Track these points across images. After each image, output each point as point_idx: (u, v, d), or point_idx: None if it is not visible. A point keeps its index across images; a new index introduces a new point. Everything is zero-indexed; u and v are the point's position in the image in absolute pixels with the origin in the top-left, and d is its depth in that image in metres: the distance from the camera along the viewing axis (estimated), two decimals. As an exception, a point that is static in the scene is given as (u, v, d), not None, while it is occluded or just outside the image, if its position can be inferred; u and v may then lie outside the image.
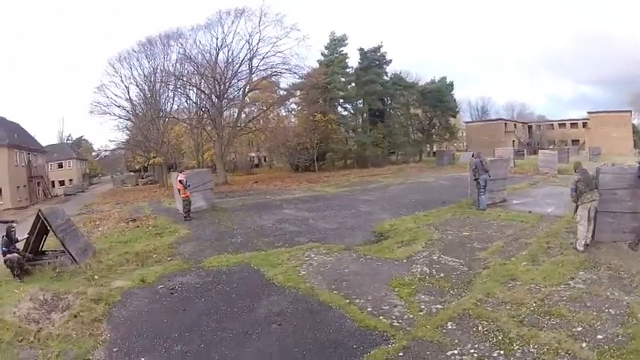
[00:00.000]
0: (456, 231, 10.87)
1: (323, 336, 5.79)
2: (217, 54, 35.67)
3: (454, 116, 49.61)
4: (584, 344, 5.16)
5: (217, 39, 35.37)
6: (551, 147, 45.82)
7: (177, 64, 36.92)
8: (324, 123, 39.54)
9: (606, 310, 6.03)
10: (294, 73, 36.62)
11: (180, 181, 15.19)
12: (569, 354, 4.98)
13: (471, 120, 74.42)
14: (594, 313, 5.95)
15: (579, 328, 5.55)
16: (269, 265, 8.88)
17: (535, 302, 6.36)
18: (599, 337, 5.32)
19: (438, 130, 48.39)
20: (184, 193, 15.04)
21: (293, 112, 45.11)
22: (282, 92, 40.42)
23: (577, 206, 8.83)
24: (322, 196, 20.31)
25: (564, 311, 6.01)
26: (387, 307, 6.52)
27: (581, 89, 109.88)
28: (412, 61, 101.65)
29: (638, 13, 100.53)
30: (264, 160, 61.87)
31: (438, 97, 45.19)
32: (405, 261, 8.70)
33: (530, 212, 12.61)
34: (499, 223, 11.40)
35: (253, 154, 59.98)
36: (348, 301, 6.81)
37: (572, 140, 60.92)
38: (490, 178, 13.61)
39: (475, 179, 13.72)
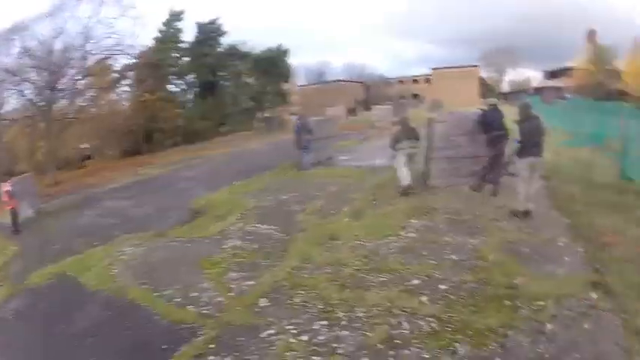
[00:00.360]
0: (273, 196, 10.44)
1: (132, 341, 5.04)
2: (53, 43, 30.67)
3: (286, 81, 49.55)
4: (424, 298, 4.84)
5: (56, 26, 30.32)
6: (388, 102, 48.13)
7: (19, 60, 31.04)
8: (152, 102, 36.63)
9: (448, 257, 5.83)
10: (127, 53, 33.08)
11: (6, 191, 12.85)
12: (406, 311, 4.61)
13: (306, 83, 74.62)
14: (433, 262, 5.69)
15: (415, 281, 5.22)
16: (84, 270, 7.59)
17: (359, 260, 5.92)
18: (442, 287, 5.04)
19: (271, 97, 48.03)
20: (10, 204, 12.73)
21: (123, 96, 40.91)
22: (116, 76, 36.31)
23: (398, 152, 9.56)
24: (144, 180, 18.51)
25: (395, 265, 5.64)
26: (197, 293, 5.80)
27: (426, 49, 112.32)
28: (258, 30, 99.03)
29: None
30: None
31: (271, 64, 44.99)
32: (217, 237, 7.97)
33: (357, 167, 12.89)
34: (322, 182, 11.31)
35: (87, 146, 53.49)
36: (157, 294, 5.97)
37: (413, 94, 64.54)
38: (314, 138, 13.69)
39: (297, 141, 13.71)
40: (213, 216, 9.49)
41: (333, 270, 5.74)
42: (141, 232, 9.28)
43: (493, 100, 10.04)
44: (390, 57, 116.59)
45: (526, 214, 7.28)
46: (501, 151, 8.66)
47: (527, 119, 7.40)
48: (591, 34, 53.21)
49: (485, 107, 9.36)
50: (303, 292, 5.29)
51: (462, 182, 9.24)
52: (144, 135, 37.27)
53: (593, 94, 36.27)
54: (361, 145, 18.83)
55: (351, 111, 41.64)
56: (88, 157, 51.87)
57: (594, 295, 4.71)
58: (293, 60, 48.96)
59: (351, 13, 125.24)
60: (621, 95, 34.07)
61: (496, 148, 8.70)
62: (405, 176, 9.22)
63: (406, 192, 9.10)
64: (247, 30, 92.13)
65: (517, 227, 6.88)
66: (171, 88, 41.74)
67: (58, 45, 30.69)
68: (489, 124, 8.87)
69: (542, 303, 4.60)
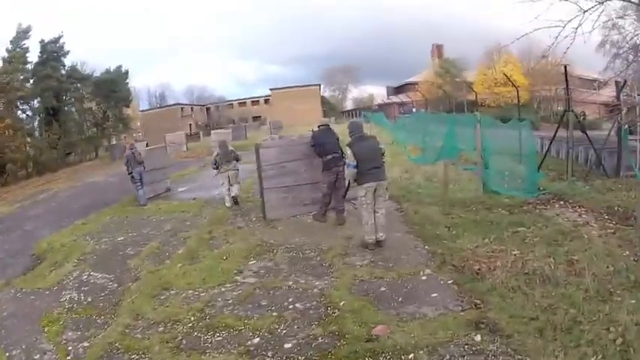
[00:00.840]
0: (111, 237, 9.40)
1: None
2: None
3: (127, 106, 47.36)
4: (267, 360, 4.09)
5: None
6: (230, 126, 48.26)
7: None
8: (1, 130, 32.71)
9: (292, 306, 5.11)
10: None
11: None
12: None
13: (148, 108, 72.61)
14: (275, 314, 4.96)
15: (256, 340, 4.47)
16: None
17: (194, 315, 5.21)
18: (288, 346, 4.27)
19: (113, 122, 45.64)
20: None
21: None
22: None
23: (219, 174, 10.61)
24: None
25: (232, 320, 4.93)
26: (38, 355, 4.98)
27: (268, 69, 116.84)
28: (101, 50, 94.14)
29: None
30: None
31: (111, 88, 42.89)
32: (55, 288, 7.01)
33: (194, 199, 12.40)
34: (158, 218, 10.59)
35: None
36: (7, 354, 5.05)
37: (254, 117, 65.17)
38: (145, 170, 12.95)
39: (129, 173, 12.87)
40: (53, 262, 8.43)
41: (166, 328, 5.03)
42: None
43: (324, 120, 9.85)
44: (231, 79, 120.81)
45: (378, 244, 6.65)
46: (339, 175, 8.02)
47: (359, 140, 6.77)
48: (437, 48, 58.49)
49: (316, 128, 8.74)
50: (135, 357, 4.58)
51: (303, 212, 8.81)
52: None
53: (442, 106, 39.64)
54: (200, 173, 18.46)
55: (192, 136, 41.02)
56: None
57: (478, 337, 3.97)
58: (134, 82, 47.20)
59: (188, 34, 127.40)
60: (473, 106, 36.07)
61: (332, 171, 8.05)
62: (227, 199, 10.61)
63: (235, 202, 10.52)
64: (90, 49, 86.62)
65: (370, 262, 6.19)
66: (19, 114, 37.93)
67: None
68: (321, 146, 8.21)
69: (412, 356, 3.83)
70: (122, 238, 9.30)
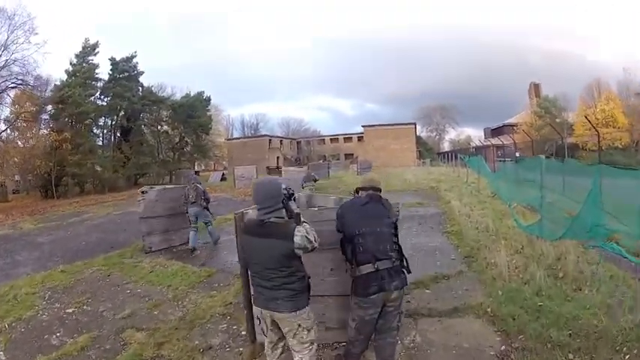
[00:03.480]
0: (64, 304, 6.89)
1: None
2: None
3: (207, 133, 46.10)
4: None
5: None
6: (320, 161, 45.69)
7: None
8: (58, 143, 32.87)
9: None
10: (31, 86, 31.35)
11: None
12: None
13: (234, 137, 72.55)
14: None
15: None
16: None
17: None
18: None
19: (191, 148, 44.60)
20: None
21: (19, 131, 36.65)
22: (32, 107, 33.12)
23: None
24: (9, 236, 15.45)
25: None
26: None
27: (366, 107, 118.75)
28: (184, 76, 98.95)
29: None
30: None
31: (188, 113, 41.71)
32: None
33: (202, 265, 8.71)
34: (134, 288, 7.49)
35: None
36: None
37: (346, 154, 63.00)
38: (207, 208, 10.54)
39: (185, 212, 10.38)
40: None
41: None
42: None
43: (372, 180, 6.22)
44: (329, 115, 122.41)
45: None
46: (387, 307, 3.58)
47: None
48: (535, 87, 53.16)
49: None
50: None
51: (327, 340, 4.52)
52: (55, 178, 33.75)
53: (541, 150, 34.55)
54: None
55: (273, 170, 38.42)
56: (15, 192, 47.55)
57: None
58: (229, 111, 46.65)
59: (291, 69, 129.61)
60: (573, 150, 32.28)
61: (370, 300, 3.48)
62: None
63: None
64: (170, 74, 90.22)
65: None
66: (80, 129, 37.37)
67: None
68: (353, 240, 3.70)
69: None
70: (71, 310, 6.76)
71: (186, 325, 5.47)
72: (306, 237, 3.07)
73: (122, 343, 5.23)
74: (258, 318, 3.47)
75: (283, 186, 3.25)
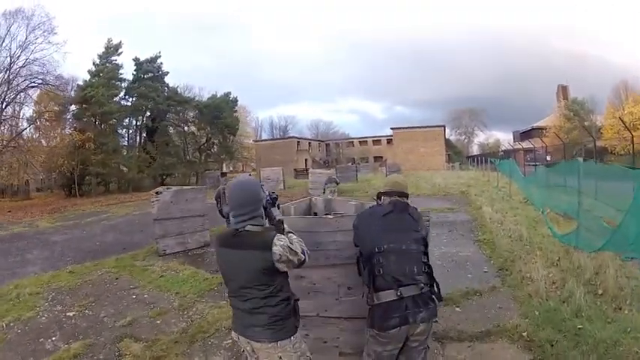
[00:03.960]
0: (66, 307, 6.64)
1: None
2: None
3: (234, 134, 45.74)
4: None
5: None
6: (349, 164, 44.92)
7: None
8: (81, 142, 33.18)
9: None
10: (53, 85, 31.11)
11: None
12: None
13: (263, 138, 72.34)
14: None
15: None
16: None
17: None
18: None
19: (218, 149, 44.42)
20: None
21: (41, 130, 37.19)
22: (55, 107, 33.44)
23: None
24: (23, 233, 15.49)
25: None
26: None
27: (396, 110, 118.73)
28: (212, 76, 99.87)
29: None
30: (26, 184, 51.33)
31: (214, 114, 41.49)
32: None
33: (216, 272, 8.05)
34: (141, 294, 7.15)
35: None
36: None
37: (375, 157, 62.21)
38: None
39: (219, 210, 9.51)
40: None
41: None
42: None
43: (399, 183, 5.58)
44: (359, 117, 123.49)
45: None
46: (410, 342, 2.93)
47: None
48: (563, 90, 51.75)
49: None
50: None
51: None
52: (78, 177, 34.07)
53: (570, 154, 33.46)
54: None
55: (300, 172, 37.94)
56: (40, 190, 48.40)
57: None
58: (258, 114, 46.55)
59: (320, 71, 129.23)
60: (602, 154, 31.08)
61: (390, 334, 2.81)
62: None
63: None
64: (197, 76, 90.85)
65: None
66: (104, 128, 37.66)
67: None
68: (372, 257, 3.02)
69: None
70: (72, 313, 6.46)
71: (187, 339, 5.02)
72: (288, 247, 2.47)
73: (117, 353, 4.85)
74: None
75: (266, 191, 2.70)
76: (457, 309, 5.43)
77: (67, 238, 13.77)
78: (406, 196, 3.18)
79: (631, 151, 32.59)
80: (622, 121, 23.36)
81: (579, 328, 4.41)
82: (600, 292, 5.39)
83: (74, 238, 13.61)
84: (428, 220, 3.31)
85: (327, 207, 5.44)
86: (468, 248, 8.68)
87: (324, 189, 15.52)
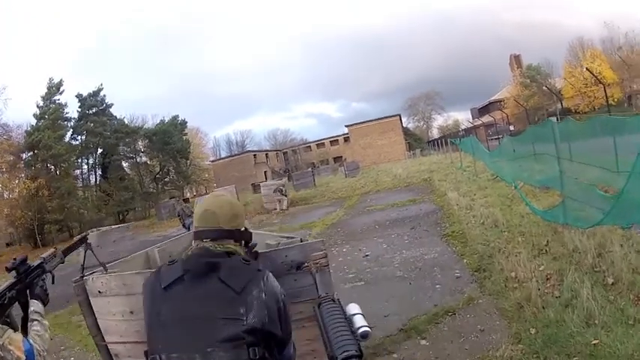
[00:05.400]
0: None
1: None
2: None
3: (186, 157, 44.39)
4: None
5: None
6: (309, 169, 43.60)
7: None
8: (35, 190, 31.78)
9: None
10: None
11: None
12: None
13: (220, 157, 70.07)
14: None
15: None
16: None
17: None
18: None
19: (173, 176, 42.87)
20: None
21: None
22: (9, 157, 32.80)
23: None
24: None
25: None
26: None
27: (354, 107, 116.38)
28: (162, 101, 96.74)
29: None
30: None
31: (164, 140, 40.28)
32: None
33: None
34: (75, 355, 6.28)
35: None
36: None
37: (335, 158, 60.92)
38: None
39: (184, 226, 8.90)
40: None
41: None
42: None
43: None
44: (316, 120, 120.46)
45: None
46: None
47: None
48: (516, 59, 51.90)
49: None
50: None
51: None
52: (38, 227, 32.79)
53: (533, 120, 33.05)
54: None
55: (258, 186, 37.03)
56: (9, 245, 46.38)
57: None
58: (215, 133, 45.25)
59: (272, 80, 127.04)
60: (565, 115, 30.86)
61: None
62: None
63: None
64: (147, 103, 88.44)
65: None
66: (59, 173, 36.14)
67: None
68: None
69: None
70: None
71: None
72: None
73: None
74: None
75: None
76: (422, 342, 4.01)
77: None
78: (231, 235, 1.56)
79: (595, 108, 32.52)
80: (590, 71, 22.79)
81: (594, 345, 3.19)
82: (611, 281, 4.15)
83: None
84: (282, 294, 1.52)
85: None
86: (434, 248, 7.32)
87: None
